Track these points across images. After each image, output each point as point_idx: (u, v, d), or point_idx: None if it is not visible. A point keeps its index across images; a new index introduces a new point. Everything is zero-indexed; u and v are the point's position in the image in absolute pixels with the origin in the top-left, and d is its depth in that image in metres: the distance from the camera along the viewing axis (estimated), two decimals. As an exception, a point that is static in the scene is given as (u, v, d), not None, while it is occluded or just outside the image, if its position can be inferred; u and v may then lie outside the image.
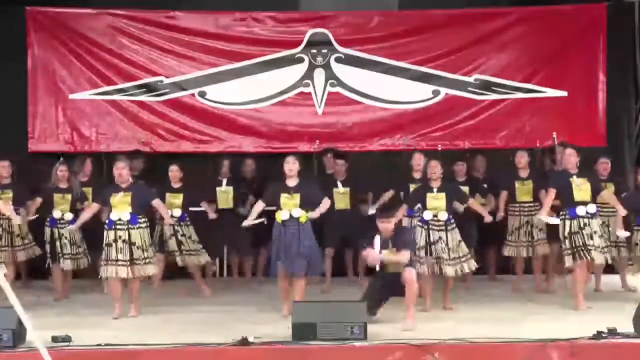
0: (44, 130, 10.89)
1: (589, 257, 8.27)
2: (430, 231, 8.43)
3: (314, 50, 11.13)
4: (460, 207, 8.79)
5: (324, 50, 11.13)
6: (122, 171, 8.29)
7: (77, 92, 10.95)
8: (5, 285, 5.23)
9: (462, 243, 8.50)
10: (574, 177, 8.41)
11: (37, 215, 9.36)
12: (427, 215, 8.44)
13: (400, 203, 8.93)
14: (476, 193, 9.62)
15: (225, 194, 10.07)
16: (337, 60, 11.15)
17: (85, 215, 8.66)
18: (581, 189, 8.38)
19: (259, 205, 8.39)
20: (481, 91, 11.15)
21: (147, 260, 8.21)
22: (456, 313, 8.29)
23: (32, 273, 10.10)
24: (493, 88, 11.15)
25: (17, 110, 10.76)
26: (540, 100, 11.12)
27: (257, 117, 11.12)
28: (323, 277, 9.69)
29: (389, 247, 7.64)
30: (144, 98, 11.02)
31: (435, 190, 8.51)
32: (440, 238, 8.40)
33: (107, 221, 8.21)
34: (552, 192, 8.48)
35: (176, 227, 9.45)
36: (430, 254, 8.39)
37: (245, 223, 8.41)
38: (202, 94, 11.06)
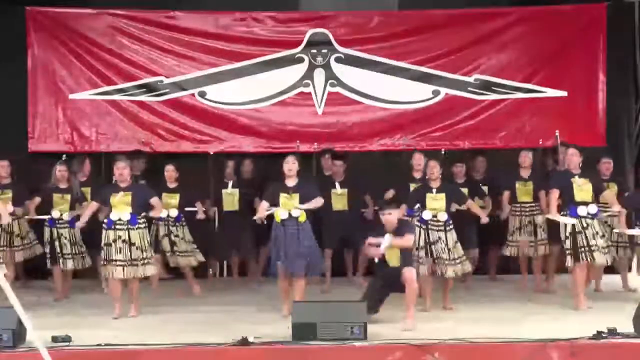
0: (44, 130, 10.89)
1: (589, 259, 8.26)
2: (430, 231, 8.43)
3: (314, 50, 11.12)
4: (453, 207, 8.78)
5: (324, 50, 11.12)
6: (122, 171, 8.29)
7: (77, 92, 10.95)
8: (5, 285, 5.23)
9: (458, 244, 8.50)
10: (576, 177, 8.40)
11: (49, 216, 9.29)
12: (427, 215, 8.44)
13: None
14: (475, 195, 9.59)
15: (231, 197, 10.04)
16: (337, 60, 11.14)
17: (88, 213, 8.58)
18: (582, 189, 8.37)
19: (265, 204, 8.35)
20: (481, 91, 11.15)
21: (146, 261, 8.21)
22: (456, 313, 8.30)
23: (32, 273, 10.09)
24: (493, 88, 11.14)
25: (17, 110, 10.76)
26: (540, 100, 11.12)
27: (257, 117, 11.12)
28: (323, 277, 9.70)
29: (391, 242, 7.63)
30: (144, 98, 11.01)
31: (434, 190, 8.51)
32: (439, 238, 8.41)
33: (106, 221, 8.21)
34: (555, 193, 8.46)
35: (171, 228, 9.46)
36: (430, 255, 8.38)
37: (258, 216, 8.33)
38: (202, 94, 11.06)
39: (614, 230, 9.27)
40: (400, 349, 6.54)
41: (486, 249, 10.19)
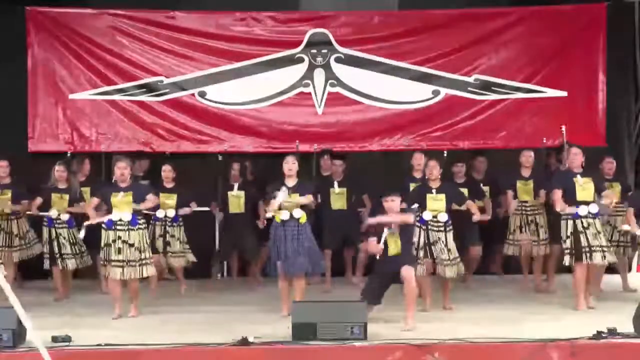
0: (44, 130, 10.89)
1: (589, 260, 8.25)
2: (430, 232, 8.42)
3: (314, 50, 11.12)
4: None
5: (324, 50, 11.12)
6: (123, 171, 8.28)
7: (77, 92, 10.95)
8: (5, 285, 5.23)
9: (454, 245, 8.50)
10: (578, 176, 8.40)
11: (48, 213, 9.29)
12: (427, 215, 8.43)
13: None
14: (475, 196, 9.58)
15: (236, 199, 10.02)
16: (337, 60, 11.14)
17: (92, 213, 8.49)
18: (584, 188, 8.37)
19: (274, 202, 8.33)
20: (481, 91, 11.15)
21: (145, 262, 8.20)
22: (456, 313, 8.30)
23: (30, 273, 10.08)
24: (493, 88, 11.15)
25: (17, 110, 10.76)
26: (540, 100, 11.12)
27: (257, 117, 11.12)
28: (323, 277, 9.70)
29: (392, 230, 7.61)
30: (144, 98, 11.01)
31: (434, 191, 8.50)
32: (439, 239, 8.40)
33: (106, 221, 8.19)
34: (558, 193, 8.42)
35: (167, 228, 9.46)
36: (429, 255, 8.38)
37: (271, 207, 8.29)
38: (202, 94, 11.06)
39: (616, 230, 9.29)
40: (400, 349, 6.54)
41: (490, 248, 10.17)
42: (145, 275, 8.29)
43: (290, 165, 8.28)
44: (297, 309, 7.05)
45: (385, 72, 11.13)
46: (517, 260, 9.96)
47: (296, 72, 11.12)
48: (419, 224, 8.43)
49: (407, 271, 7.45)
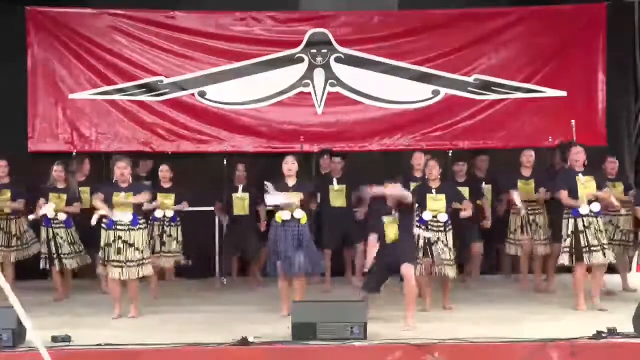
0: (44, 130, 10.89)
1: (589, 260, 8.24)
2: (430, 232, 8.39)
3: (314, 50, 11.13)
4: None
5: (324, 50, 11.13)
6: (124, 171, 8.27)
7: (77, 92, 10.95)
8: (5, 285, 5.23)
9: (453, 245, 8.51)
10: (580, 175, 8.38)
11: (50, 213, 9.27)
12: (427, 216, 8.42)
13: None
14: (476, 196, 9.57)
15: (241, 201, 10.01)
16: (337, 60, 11.15)
17: (103, 205, 8.47)
18: (586, 187, 8.35)
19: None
20: (481, 91, 11.16)
21: (144, 262, 8.20)
22: (456, 313, 8.29)
23: (31, 273, 10.05)
24: (493, 88, 11.15)
25: (17, 110, 10.76)
26: (540, 100, 11.13)
27: (257, 117, 11.13)
28: (323, 277, 9.70)
29: (393, 215, 7.60)
30: (144, 98, 11.02)
31: (434, 191, 8.49)
32: (439, 239, 8.39)
33: (106, 221, 8.19)
34: (564, 193, 8.38)
35: (165, 228, 9.46)
36: (430, 255, 8.36)
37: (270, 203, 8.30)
38: (202, 94, 11.07)
39: (619, 229, 9.31)
40: (400, 349, 6.54)
41: (491, 246, 10.15)
42: (144, 275, 8.28)
43: (290, 166, 8.28)
44: (297, 309, 7.05)
45: (385, 72, 11.14)
46: (517, 259, 9.95)
47: (296, 72, 11.13)
48: (419, 224, 8.42)
49: (407, 269, 7.44)
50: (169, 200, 9.57)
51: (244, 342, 6.63)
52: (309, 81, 11.14)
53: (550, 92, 11.11)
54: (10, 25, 10.69)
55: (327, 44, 11.13)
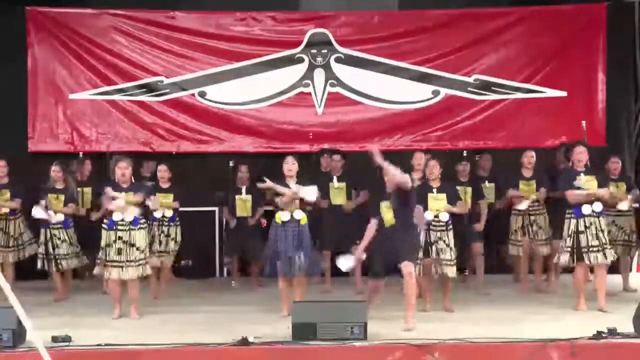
0: (44, 130, 10.91)
1: (589, 260, 8.22)
2: (431, 232, 8.40)
3: (314, 51, 11.14)
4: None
5: (324, 51, 11.14)
6: (124, 171, 8.25)
7: (77, 92, 10.96)
8: (5, 285, 5.23)
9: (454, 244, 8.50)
10: (581, 175, 8.35)
11: (38, 213, 9.28)
12: (429, 215, 8.41)
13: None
14: (477, 196, 9.55)
15: (244, 202, 9.99)
16: (337, 60, 11.16)
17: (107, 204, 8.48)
18: (587, 186, 8.32)
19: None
20: (481, 91, 11.16)
21: (144, 262, 8.19)
22: (456, 313, 8.28)
23: (31, 274, 10.05)
24: (493, 88, 11.16)
25: (17, 110, 10.77)
26: (540, 100, 11.14)
27: (257, 117, 11.14)
28: (323, 277, 9.70)
29: (391, 201, 7.59)
30: (144, 98, 11.03)
31: (435, 190, 8.49)
32: (440, 238, 8.38)
33: (107, 222, 8.18)
34: (570, 192, 8.35)
35: (163, 227, 9.44)
36: (429, 255, 8.35)
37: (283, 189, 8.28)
38: (202, 94, 11.07)
39: (622, 229, 9.34)
40: (400, 349, 6.53)
41: (491, 246, 10.14)
42: (144, 274, 8.27)
43: (290, 166, 8.28)
44: (297, 309, 7.04)
45: (385, 72, 11.15)
46: (517, 259, 9.93)
47: (296, 72, 11.14)
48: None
49: (406, 267, 7.44)
50: (167, 200, 9.55)
51: (244, 342, 6.63)
52: (309, 81, 11.14)
53: (550, 92, 11.12)
54: (10, 25, 10.70)
55: (327, 44, 11.14)
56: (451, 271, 8.35)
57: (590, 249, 8.19)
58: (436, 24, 11.21)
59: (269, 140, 11.11)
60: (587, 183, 8.28)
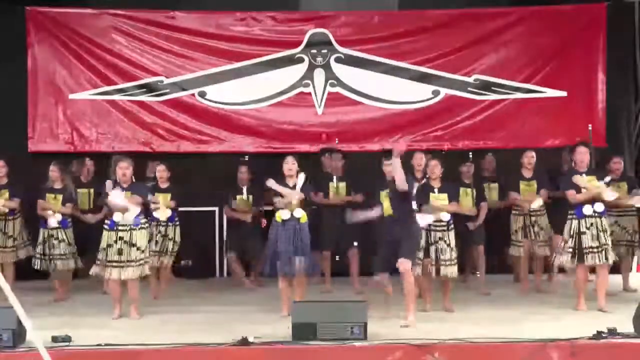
0: (44, 130, 10.91)
1: (590, 261, 8.21)
2: (432, 232, 8.39)
3: (314, 51, 11.14)
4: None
5: (324, 51, 11.14)
6: (125, 171, 8.25)
7: (77, 92, 10.96)
8: (4, 285, 5.23)
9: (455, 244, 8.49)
10: (583, 175, 8.32)
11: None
12: (428, 219, 8.40)
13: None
14: (480, 197, 9.54)
15: (245, 202, 9.98)
16: (337, 60, 11.16)
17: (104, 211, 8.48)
18: (588, 187, 8.31)
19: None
20: (481, 91, 11.17)
21: (145, 261, 8.19)
22: (456, 313, 8.28)
23: (31, 274, 10.05)
24: (493, 88, 11.16)
25: (17, 110, 10.77)
26: (540, 100, 11.14)
27: (257, 117, 11.14)
28: (323, 277, 9.70)
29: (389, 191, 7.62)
30: (144, 98, 11.03)
31: (436, 190, 8.48)
32: (440, 238, 8.37)
33: (108, 222, 8.18)
34: (572, 192, 8.34)
35: (160, 227, 9.43)
36: (429, 255, 8.34)
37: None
38: (202, 94, 11.07)
39: (625, 230, 9.36)
40: (400, 349, 6.53)
41: (493, 247, 10.13)
42: (144, 274, 8.27)
43: (290, 166, 8.28)
44: (297, 309, 7.04)
45: (385, 72, 11.15)
46: (517, 260, 9.93)
47: (296, 72, 11.14)
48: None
49: (403, 265, 7.47)
50: (166, 200, 9.54)
51: (244, 342, 6.63)
52: (309, 81, 11.15)
53: (550, 92, 11.12)
54: (10, 25, 10.70)
55: (327, 44, 11.14)
56: (451, 271, 8.33)
57: (591, 249, 8.18)
58: (436, 24, 11.21)
59: (269, 140, 11.11)
60: (588, 183, 8.27)
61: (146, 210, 8.62)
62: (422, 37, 11.19)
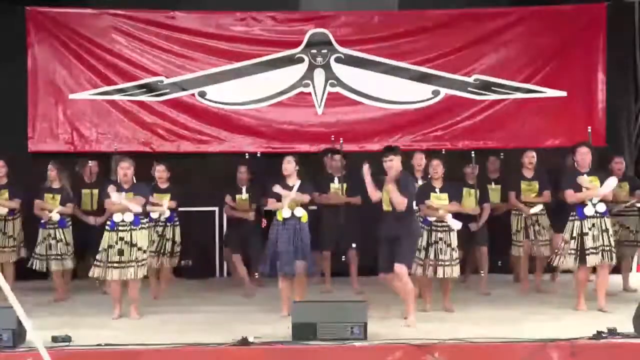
0: (44, 130, 10.90)
1: (592, 262, 8.19)
2: (433, 232, 8.38)
3: (314, 51, 11.14)
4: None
5: (324, 51, 11.14)
6: (126, 171, 8.25)
7: (77, 92, 10.96)
8: (4, 285, 5.23)
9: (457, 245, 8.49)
10: (585, 175, 8.31)
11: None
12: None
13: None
14: (483, 199, 9.54)
15: (245, 202, 9.97)
16: (337, 60, 11.16)
17: (107, 215, 8.51)
18: (590, 187, 8.30)
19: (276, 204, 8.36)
20: (481, 91, 11.16)
21: (145, 262, 8.19)
22: (456, 313, 8.29)
23: (31, 274, 10.04)
24: (493, 88, 11.16)
25: (17, 110, 10.76)
26: (540, 100, 11.13)
27: (257, 117, 11.13)
28: (323, 277, 9.69)
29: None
30: (144, 98, 11.03)
31: (437, 190, 8.48)
32: (440, 239, 8.36)
33: (109, 222, 8.17)
34: (569, 192, 8.34)
35: (158, 228, 9.41)
36: (428, 256, 8.33)
37: (270, 205, 8.34)
38: (202, 94, 11.07)
39: (630, 230, 9.37)
40: (400, 349, 6.54)
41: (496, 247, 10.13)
42: (144, 275, 8.26)
43: (286, 165, 8.31)
44: (297, 309, 7.05)
45: (385, 72, 11.15)
46: (517, 260, 9.93)
47: (296, 72, 11.14)
48: (423, 225, 8.39)
49: (398, 269, 7.50)
50: (165, 200, 9.53)
51: (244, 342, 6.63)
52: (309, 81, 11.14)
53: (550, 92, 11.12)
54: (10, 25, 10.69)
55: (327, 44, 11.14)
56: (450, 272, 8.31)
57: (593, 250, 8.16)
58: (436, 24, 11.21)
59: (269, 140, 11.11)
60: (590, 183, 8.26)
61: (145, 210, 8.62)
62: (422, 37, 11.18)
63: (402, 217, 7.60)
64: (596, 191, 8.19)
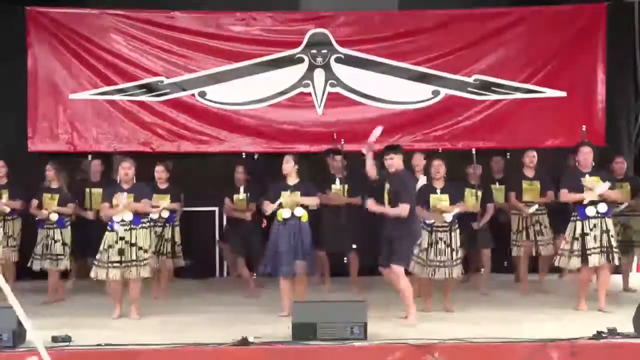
0: (44, 130, 10.89)
1: (593, 262, 8.19)
2: (433, 232, 8.37)
3: (314, 51, 11.13)
4: None
5: (324, 51, 11.14)
6: (127, 171, 8.26)
7: (77, 92, 10.95)
8: (4, 285, 5.23)
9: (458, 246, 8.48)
10: (586, 176, 8.31)
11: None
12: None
13: None
14: (486, 199, 9.53)
15: (243, 202, 9.97)
16: (337, 60, 11.15)
17: (107, 214, 8.50)
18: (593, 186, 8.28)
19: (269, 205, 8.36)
20: (481, 91, 11.16)
21: (146, 261, 8.19)
22: (456, 313, 8.29)
23: (29, 274, 10.03)
24: (493, 88, 11.16)
25: (17, 110, 10.76)
26: (539, 100, 11.13)
27: (257, 117, 11.13)
28: (323, 277, 9.69)
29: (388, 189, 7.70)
30: (144, 98, 11.02)
31: (438, 191, 8.47)
32: (440, 239, 8.34)
33: (110, 222, 8.17)
34: (564, 193, 8.34)
35: (156, 228, 9.39)
36: (427, 256, 8.32)
37: (265, 208, 8.38)
38: (202, 94, 11.07)
39: (632, 230, 9.39)
40: (400, 349, 6.54)
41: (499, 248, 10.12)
42: (145, 275, 8.26)
43: (284, 165, 8.32)
44: (297, 309, 7.05)
45: (385, 72, 11.14)
46: (517, 260, 9.93)
47: (296, 72, 11.13)
48: (423, 225, 8.37)
49: (396, 269, 7.52)
50: (164, 200, 9.53)
51: (244, 342, 6.63)
52: (309, 81, 11.14)
53: (550, 92, 11.11)
54: (10, 25, 10.70)
55: (327, 44, 11.14)
56: (449, 272, 8.29)
57: (595, 250, 8.15)
58: (436, 24, 11.20)
59: (269, 140, 11.10)
60: (592, 183, 8.24)
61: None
62: (422, 37, 11.18)
63: (402, 218, 7.60)
64: (588, 194, 8.17)
